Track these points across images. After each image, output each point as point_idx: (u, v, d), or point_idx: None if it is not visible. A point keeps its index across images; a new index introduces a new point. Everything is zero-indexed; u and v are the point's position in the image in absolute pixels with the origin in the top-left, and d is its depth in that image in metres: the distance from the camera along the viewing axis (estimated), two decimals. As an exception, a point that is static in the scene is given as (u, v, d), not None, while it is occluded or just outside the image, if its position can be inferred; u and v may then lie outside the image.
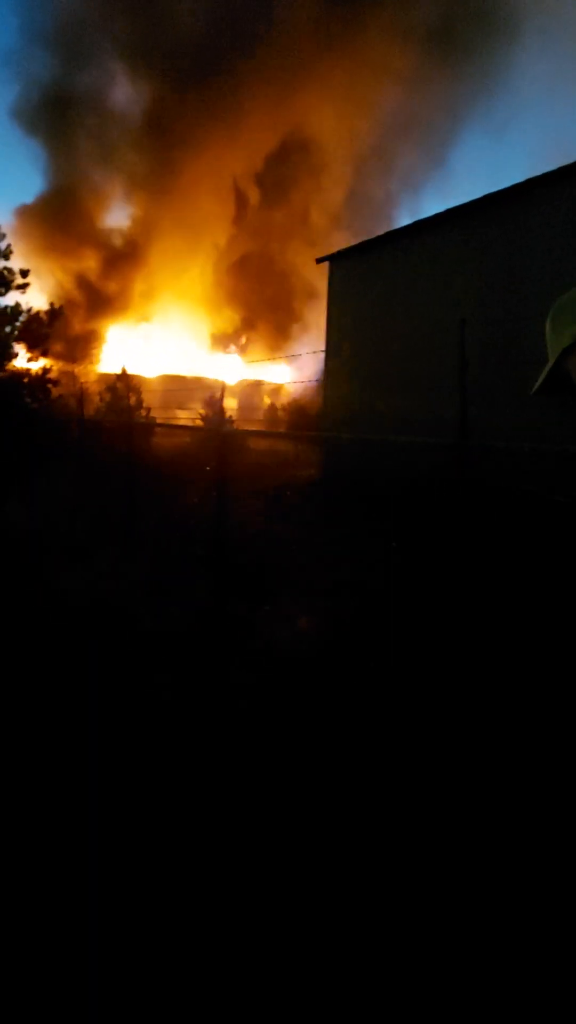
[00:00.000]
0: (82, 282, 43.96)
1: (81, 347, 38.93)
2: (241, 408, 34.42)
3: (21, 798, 3.52)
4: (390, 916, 2.80)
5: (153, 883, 2.98)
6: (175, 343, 45.98)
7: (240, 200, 45.97)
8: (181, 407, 29.73)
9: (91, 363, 39.58)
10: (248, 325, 45.76)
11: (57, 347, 19.57)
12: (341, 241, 41.21)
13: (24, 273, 16.95)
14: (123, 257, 44.74)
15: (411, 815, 3.43)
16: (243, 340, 44.88)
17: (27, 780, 3.68)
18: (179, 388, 35.74)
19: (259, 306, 45.75)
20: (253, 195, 46.15)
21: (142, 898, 2.89)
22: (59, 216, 44.46)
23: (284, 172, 46.22)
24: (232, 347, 43.10)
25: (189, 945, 2.66)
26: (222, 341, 45.38)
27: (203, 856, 3.16)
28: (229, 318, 45.22)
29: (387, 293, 15.48)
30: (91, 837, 3.22)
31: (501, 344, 11.60)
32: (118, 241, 45.19)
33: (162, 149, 45.89)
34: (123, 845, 3.20)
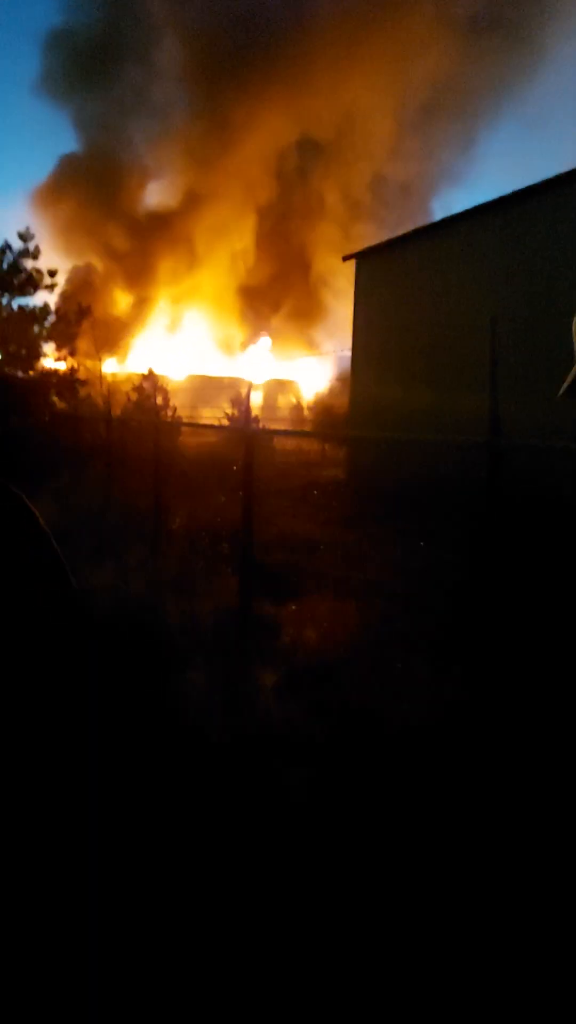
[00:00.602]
0: (110, 272, 44.16)
1: (108, 341, 39.10)
2: (266, 407, 34.42)
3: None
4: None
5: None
6: (202, 343, 46.11)
7: (269, 189, 45.92)
8: (208, 406, 29.81)
9: (117, 356, 39.77)
10: (274, 319, 45.77)
11: (84, 344, 19.73)
12: (369, 235, 41.18)
13: (52, 273, 17.08)
14: (153, 247, 44.85)
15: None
16: (267, 334, 44.88)
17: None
18: (206, 387, 35.85)
19: (286, 302, 45.73)
20: (278, 188, 46.07)
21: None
22: (90, 193, 44.60)
23: (310, 164, 46.04)
24: (259, 339, 43.10)
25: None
26: (250, 336, 45.43)
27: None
28: (257, 313, 45.26)
29: (414, 290, 15.36)
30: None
31: (532, 340, 11.45)
32: (149, 226, 45.17)
33: (196, 137, 45.74)
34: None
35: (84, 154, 46.33)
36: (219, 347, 45.75)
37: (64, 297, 17.75)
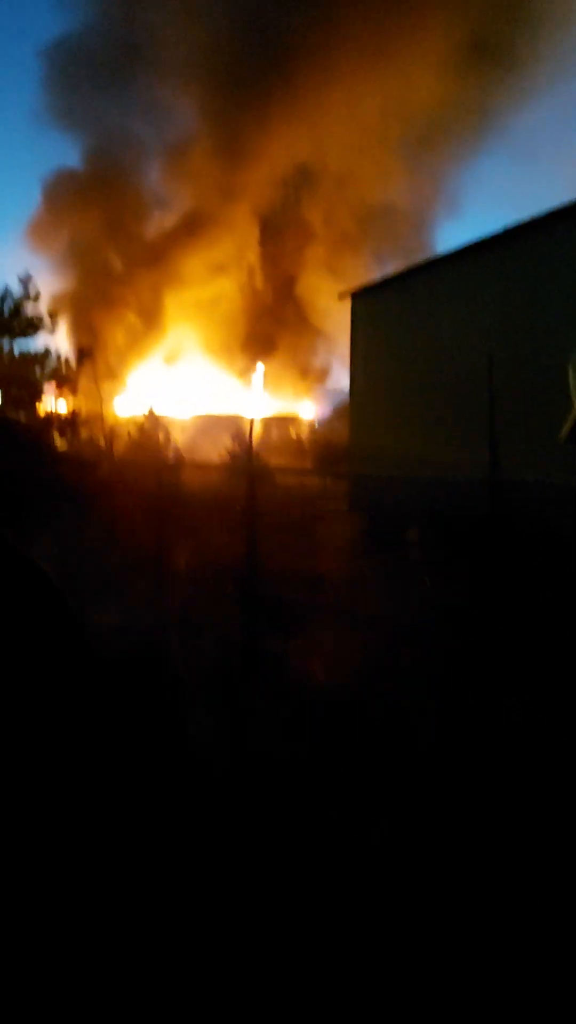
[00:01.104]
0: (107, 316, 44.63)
1: (109, 378, 39.43)
2: (266, 441, 34.64)
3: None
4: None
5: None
6: (201, 381, 46.50)
7: (260, 228, 46.53)
8: (209, 440, 30.00)
9: (117, 394, 40.09)
10: (271, 356, 46.16)
11: (85, 385, 20.00)
12: (368, 268, 41.75)
13: (53, 316, 17.37)
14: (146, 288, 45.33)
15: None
16: (261, 369, 45.28)
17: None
18: (206, 425, 36.11)
19: (283, 338, 46.18)
20: (268, 226, 46.68)
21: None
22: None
23: (305, 197, 46.63)
24: (254, 375, 43.46)
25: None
26: (246, 375, 45.81)
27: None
28: (255, 347, 45.65)
29: (410, 327, 15.61)
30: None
31: (527, 377, 11.62)
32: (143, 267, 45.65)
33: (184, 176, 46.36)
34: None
35: (83, 176, 46.57)
36: (218, 385, 46.11)
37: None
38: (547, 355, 11.53)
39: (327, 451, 29.50)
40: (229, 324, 45.44)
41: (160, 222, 46.65)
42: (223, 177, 43.87)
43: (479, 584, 5.08)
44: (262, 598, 7.35)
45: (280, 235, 46.56)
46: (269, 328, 46.05)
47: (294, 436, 39.37)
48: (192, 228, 44.07)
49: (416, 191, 47.15)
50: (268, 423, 39.58)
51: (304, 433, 40.53)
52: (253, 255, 46.24)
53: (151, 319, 45.11)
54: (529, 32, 41.76)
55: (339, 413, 35.57)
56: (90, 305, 44.09)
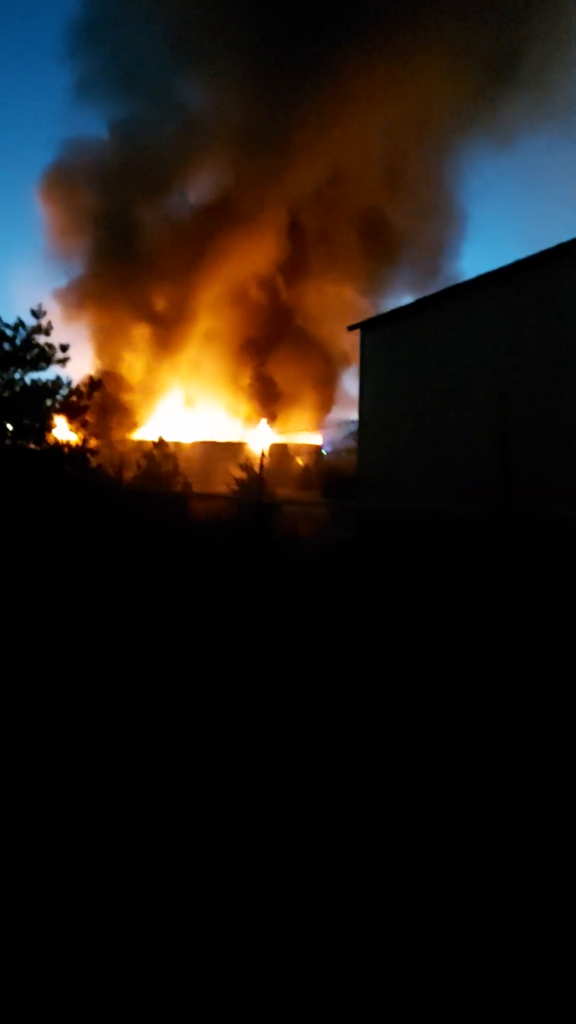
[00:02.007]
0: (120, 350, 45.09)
1: (119, 416, 39.80)
2: (274, 468, 34.72)
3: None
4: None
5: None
6: (210, 411, 46.80)
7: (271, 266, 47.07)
8: (217, 467, 30.14)
9: (129, 429, 40.38)
10: (279, 392, 46.46)
11: (95, 416, 20.13)
12: (374, 305, 42.09)
13: (64, 348, 17.51)
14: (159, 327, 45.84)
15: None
16: (273, 411, 45.56)
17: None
18: (215, 453, 36.30)
19: (292, 371, 46.46)
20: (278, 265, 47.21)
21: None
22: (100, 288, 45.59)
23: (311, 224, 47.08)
24: (264, 419, 43.72)
25: None
26: (256, 410, 46.07)
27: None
28: (261, 385, 45.97)
29: (419, 359, 15.67)
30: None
31: (537, 409, 11.62)
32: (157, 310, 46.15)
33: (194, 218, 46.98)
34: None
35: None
36: (228, 414, 46.36)
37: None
38: (560, 387, 11.54)
39: (336, 477, 29.57)
40: (235, 355, 45.83)
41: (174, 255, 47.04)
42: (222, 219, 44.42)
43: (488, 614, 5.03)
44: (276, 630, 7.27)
45: (291, 263, 46.97)
46: (278, 358, 46.38)
47: (301, 464, 39.53)
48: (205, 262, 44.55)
49: (428, 220, 47.69)
50: (278, 449, 39.76)
51: (311, 461, 40.69)
52: (262, 286, 46.70)
53: (163, 350, 45.54)
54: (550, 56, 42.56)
55: (348, 441, 35.71)
56: (103, 336, 44.62)
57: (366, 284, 47.34)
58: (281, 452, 40.26)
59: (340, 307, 44.77)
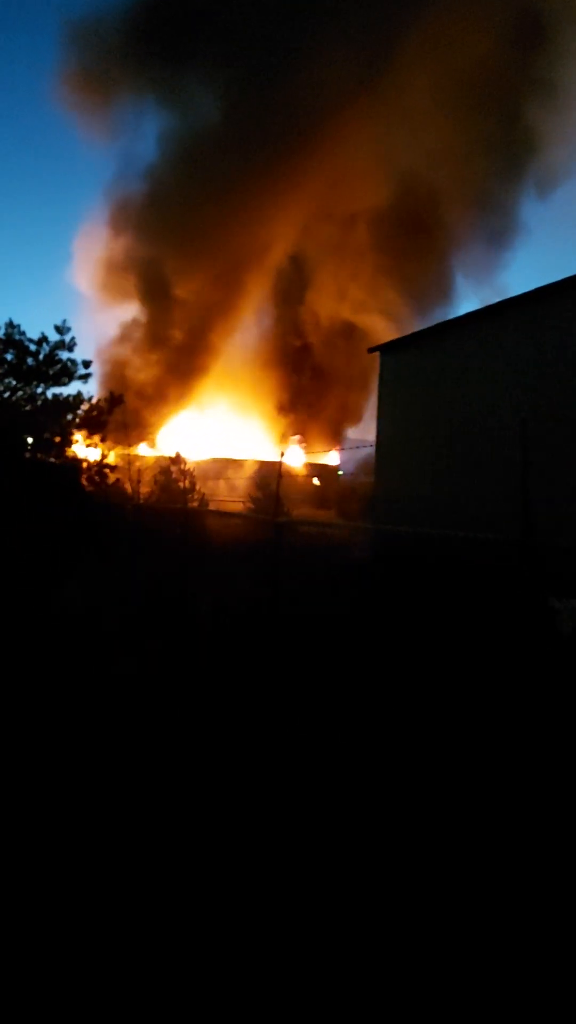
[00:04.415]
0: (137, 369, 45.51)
1: (137, 432, 40.09)
2: (288, 488, 34.76)
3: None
4: None
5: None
6: (227, 427, 47.04)
7: (287, 281, 47.55)
8: (233, 489, 30.20)
9: (147, 444, 40.62)
10: (300, 416, 46.71)
11: (114, 432, 20.21)
12: (393, 327, 42.26)
13: (87, 364, 17.68)
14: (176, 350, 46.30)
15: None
16: (295, 436, 45.78)
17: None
18: (231, 470, 36.40)
19: (311, 395, 46.70)
20: (298, 273, 47.67)
21: None
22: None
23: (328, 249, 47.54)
24: (288, 443, 43.95)
25: None
26: (275, 432, 46.29)
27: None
28: (282, 406, 46.24)
29: (438, 383, 15.68)
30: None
31: (557, 436, 11.58)
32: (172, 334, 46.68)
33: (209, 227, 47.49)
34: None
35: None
36: (245, 431, 46.60)
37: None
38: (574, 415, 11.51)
39: (352, 497, 29.55)
40: (257, 379, 46.17)
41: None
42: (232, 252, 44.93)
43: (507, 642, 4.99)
44: (285, 648, 7.26)
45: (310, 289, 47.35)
46: (299, 383, 46.67)
47: (317, 483, 39.59)
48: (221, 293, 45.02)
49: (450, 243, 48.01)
50: (299, 469, 39.88)
51: (330, 482, 40.74)
52: (280, 310, 47.05)
53: (182, 371, 45.96)
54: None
55: (365, 463, 35.74)
56: (125, 358, 45.09)
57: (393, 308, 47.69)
58: (303, 472, 40.37)
59: (358, 330, 45.08)
